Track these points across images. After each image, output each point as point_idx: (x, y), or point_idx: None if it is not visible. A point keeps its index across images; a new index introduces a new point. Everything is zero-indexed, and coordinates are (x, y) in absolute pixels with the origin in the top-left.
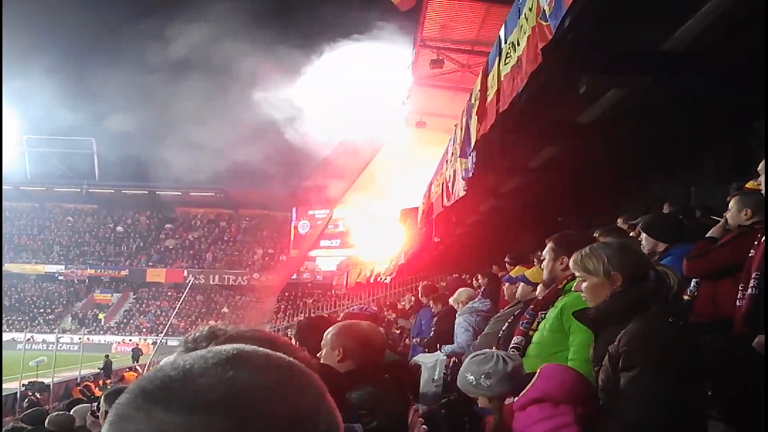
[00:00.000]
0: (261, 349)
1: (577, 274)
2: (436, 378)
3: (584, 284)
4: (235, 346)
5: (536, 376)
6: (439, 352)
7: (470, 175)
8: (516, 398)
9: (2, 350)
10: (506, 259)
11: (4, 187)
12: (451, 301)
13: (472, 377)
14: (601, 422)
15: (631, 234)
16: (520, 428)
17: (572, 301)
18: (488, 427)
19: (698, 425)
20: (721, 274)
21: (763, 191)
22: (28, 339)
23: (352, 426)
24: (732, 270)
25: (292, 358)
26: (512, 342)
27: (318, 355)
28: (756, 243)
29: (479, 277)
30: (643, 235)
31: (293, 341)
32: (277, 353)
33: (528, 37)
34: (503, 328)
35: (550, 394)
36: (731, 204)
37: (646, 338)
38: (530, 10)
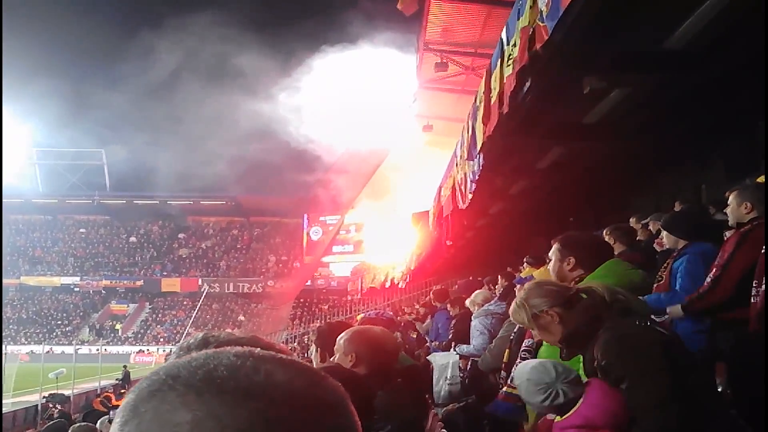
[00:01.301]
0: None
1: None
2: (449, 377)
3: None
4: (250, 348)
5: (582, 400)
6: (453, 352)
7: (476, 177)
8: (556, 416)
9: (3, 360)
10: (526, 259)
11: (16, 201)
12: (467, 303)
13: (524, 392)
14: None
15: (640, 232)
16: None
17: None
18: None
19: (714, 418)
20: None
21: (729, 218)
22: (47, 351)
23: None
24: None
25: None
26: (523, 344)
27: (331, 360)
28: None
29: (499, 278)
30: (664, 233)
31: (313, 347)
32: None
33: (520, 39)
34: (515, 330)
35: (592, 421)
36: (730, 199)
37: (619, 345)
38: (530, 8)
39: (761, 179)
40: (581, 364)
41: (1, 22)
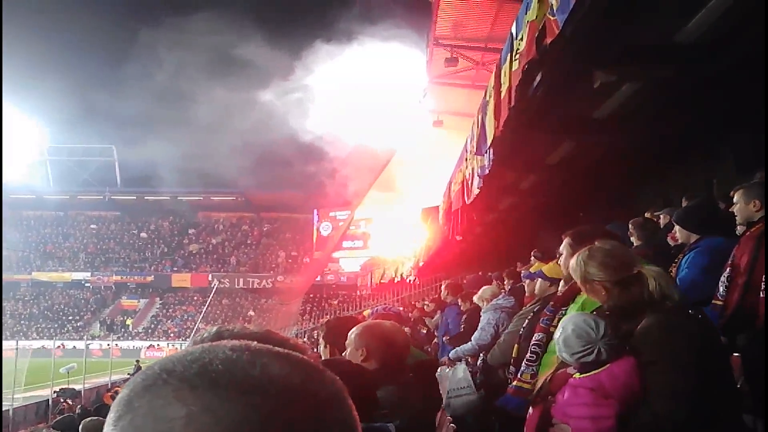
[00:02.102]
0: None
1: None
2: (465, 386)
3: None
4: (246, 342)
5: (606, 367)
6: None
7: (486, 172)
8: (576, 373)
9: (1, 354)
10: (534, 253)
11: (28, 197)
12: (475, 299)
13: (562, 340)
14: (636, 411)
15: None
16: (564, 401)
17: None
18: (538, 381)
19: (731, 418)
20: None
21: (737, 217)
22: (59, 346)
23: (386, 425)
24: None
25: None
26: (533, 339)
27: (342, 354)
28: None
29: (503, 276)
30: (677, 228)
31: (322, 341)
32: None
33: (527, 32)
34: (524, 325)
35: (605, 389)
36: (736, 198)
37: (664, 331)
38: (539, 2)
39: None
40: None
41: (2, 22)
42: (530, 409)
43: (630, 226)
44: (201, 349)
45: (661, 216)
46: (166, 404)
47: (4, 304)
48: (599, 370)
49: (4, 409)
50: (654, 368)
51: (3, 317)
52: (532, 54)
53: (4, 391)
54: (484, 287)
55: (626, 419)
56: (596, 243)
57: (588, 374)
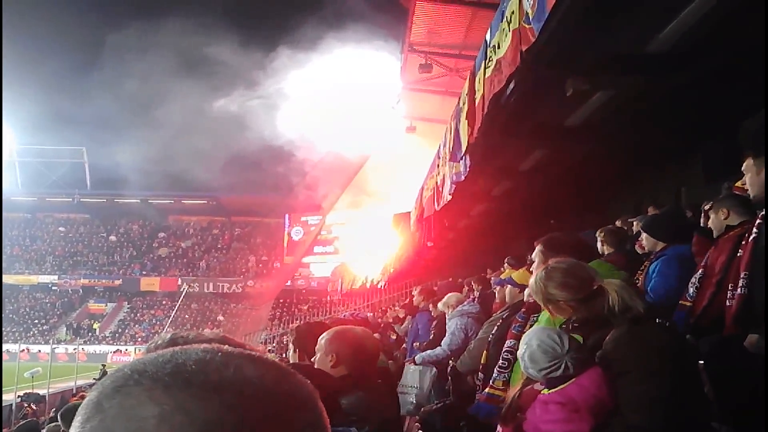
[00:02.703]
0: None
1: None
2: (411, 386)
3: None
4: (218, 345)
5: (573, 380)
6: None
7: (462, 178)
8: (544, 388)
9: (1, 360)
10: (507, 260)
11: None
12: (440, 305)
13: (528, 355)
14: (608, 422)
15: (626, 232)
16: (536, 418)
17: None
18: (506, 397)
19: (701, 426)
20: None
21: (749, 192)
22: (23, 350)
23: (349, 429)
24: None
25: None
26: (505, 346)
27: (312, 360)
28: (743, 243)
29: (472, 283)
30: (644, 235)
31: (291, 346)
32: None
33: (510, 40)
34: (492, 332)
35: (576, 402)
36: (710, 213)
37: (632, 342)
38: (513, 13)
39: (739, 184)
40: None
41: (1, 23)
42: (499, 428)
43: (599, 234)
44: (172, 351)
45: (635, 223)
46: (138, 404)
47: None
48: (567, 383)
49: None
50: (625, 379)
51: None
52: (517, 62)
53: None
54: (449, 294)
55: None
56: (551, 262)
57: (556, 389)
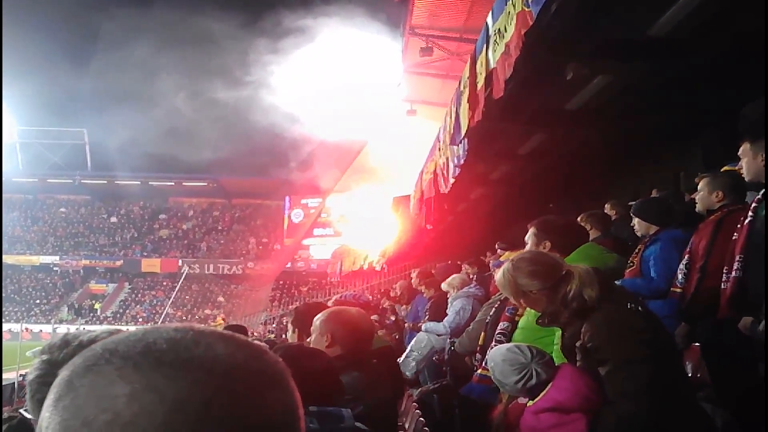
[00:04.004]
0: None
1: None
2: (411, 350)
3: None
4: (190, 323)
5: (551, 384)
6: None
7: (462, 161)
8: (528, 400)
9: (1, 342)
10: (497, 245)
11: None
12: (443, 285)
13: (498, 373)
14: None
15: (611, 217)
16: (531, 430)
17: None
18: (494, 414)
19: (688, 407)
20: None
21: (744, 175)
22: (25, 330)
23: (340, 410)
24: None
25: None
26: (498, 328)
27: (308, 340)
28: (739, 226)
29: (465, 266)
30: (636, 219)
31: (290, 327)
32: None
33: (515, 24)
34: (490, 314)
35: (562, 404)
36: (701, 185)
37: (609, 329)
38: None
39: (727, 169)
40: (555, 343)
41: (1, 20)
42: None
43: (582, 218)
44: (144, 330)
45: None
46: (109, 383)
47: None
48: (547, 389)
49: None
50: (606, 368)
51: None
52: (521, 45)
53: None
54: (454, 275)
55: (593, 426)
56: (514, 256)
57: (539, 397)
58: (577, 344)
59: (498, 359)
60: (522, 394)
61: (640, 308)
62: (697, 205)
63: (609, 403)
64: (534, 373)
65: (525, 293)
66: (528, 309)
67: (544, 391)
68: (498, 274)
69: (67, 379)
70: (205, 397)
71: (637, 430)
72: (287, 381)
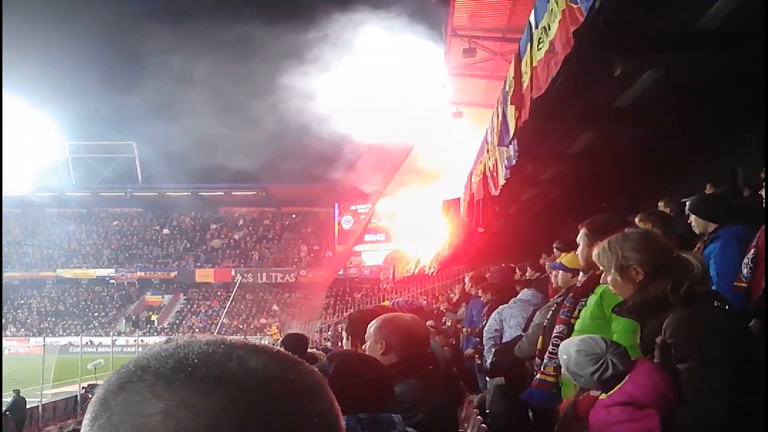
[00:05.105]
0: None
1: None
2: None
3: (607, 278)
4: (221, 336)
5: (627, 378)
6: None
7: (513, 162)
8: (601, 394)
9: (2, 354)
10: (555, 245)
11: (50, 195)
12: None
13: (573, 365)
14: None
15: (671, 215)
16: (601, 424)
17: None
18: (561, 408)
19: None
20: None
21: None
22: (86, 343)
23: (391, 416)
24: None
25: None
26: (554, 331)
27: (362, 348)
28: None
29: (528, 269)
30: (693, 217)
31: (344, 334)
32: None
33: (559, 20)
34: (548, 317)
35: (637, 399)
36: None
37: (692, 327)
38: None
39: None
40: (629, 340)
41: (1, 21)
42: None
43: (639, 219)
44: (176, 345)
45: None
46: (143, 401)
47: (30, 301)
48: (622, 383)
49: (33, 405)
50: (686, 365)
51: (30, 315)
52: (571, 43)
53: (33, 387)
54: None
55: (666, 424)
56: (626, 230)
57: (614, 390)
58: (657, 339)
59: (572, 350)
60: (596, 386)
61: (727, 307)
62: (764, 201)
63: (684, 403)
64: (610, 363)
65: (625, 268)
66: (584, 311)
67: (619, 385)
68: (600, 246)
69: (102, 397)
70: (239, 412)
71: (714, 429)
72: (325, 392)
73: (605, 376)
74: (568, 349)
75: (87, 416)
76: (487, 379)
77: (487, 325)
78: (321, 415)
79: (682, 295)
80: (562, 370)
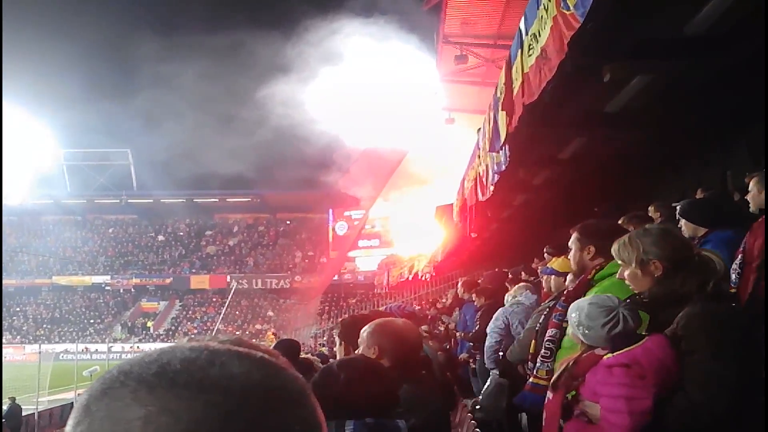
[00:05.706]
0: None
1: (618, 262)
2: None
3: (625, 272)
4: (206, 342)
5: (640, 343)
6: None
7: (503, 168)
8: (607, 353)
9: (2, 361)
10: (545, 250)
11: (45, 202)
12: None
13: (584, 317)
14: (670, 397)
15: (659, 220)
16: (598, 380)
17: (603, 290)
18: (561, 363)
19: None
20: None
21: None
22: (82, 350)
23: (396, 422)
24: None
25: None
26: (547, 335)
27: (355, 353)
28: None
29: (522, 273)
30: (683, 221)
31: (337, 340)
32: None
33: (550, 27)
34: (540, 321)
35: (642, 366)
36: (751, 185)
37: (705, 321)
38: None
39: None
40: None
41: (1, 21)
42: (549, 394)
43: (623, 221)
44: (159, 351)
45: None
46: (124, 406)
47: (26, 308)
48: (634, 346)
49: (29, 412)
50: (693, 358)
51: (26, 322)
52: (565, 50)
53: (29, 394)
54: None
55: (661, 404)
56: (647, 225)
57: (622, 351)
58: (667, 331)
59: (584, 303)
60: (604, 341)
61: (734, 304)
62: (750, 206)
63: (683, 390)
64: (621, 318)
65: (645, 262)
66: None
67: (630, 348)
68: (620, 241)
69: (84, 403)
70: (221, 418)
71: (707, 421)
72: (308, 398)
73: (615, 330)
74: (579, 304)
75: (69, 422)
76: (491, 372)
77: (492, 325)
78: (303, 422)
79: (708, 293)
80: (568, 330)
